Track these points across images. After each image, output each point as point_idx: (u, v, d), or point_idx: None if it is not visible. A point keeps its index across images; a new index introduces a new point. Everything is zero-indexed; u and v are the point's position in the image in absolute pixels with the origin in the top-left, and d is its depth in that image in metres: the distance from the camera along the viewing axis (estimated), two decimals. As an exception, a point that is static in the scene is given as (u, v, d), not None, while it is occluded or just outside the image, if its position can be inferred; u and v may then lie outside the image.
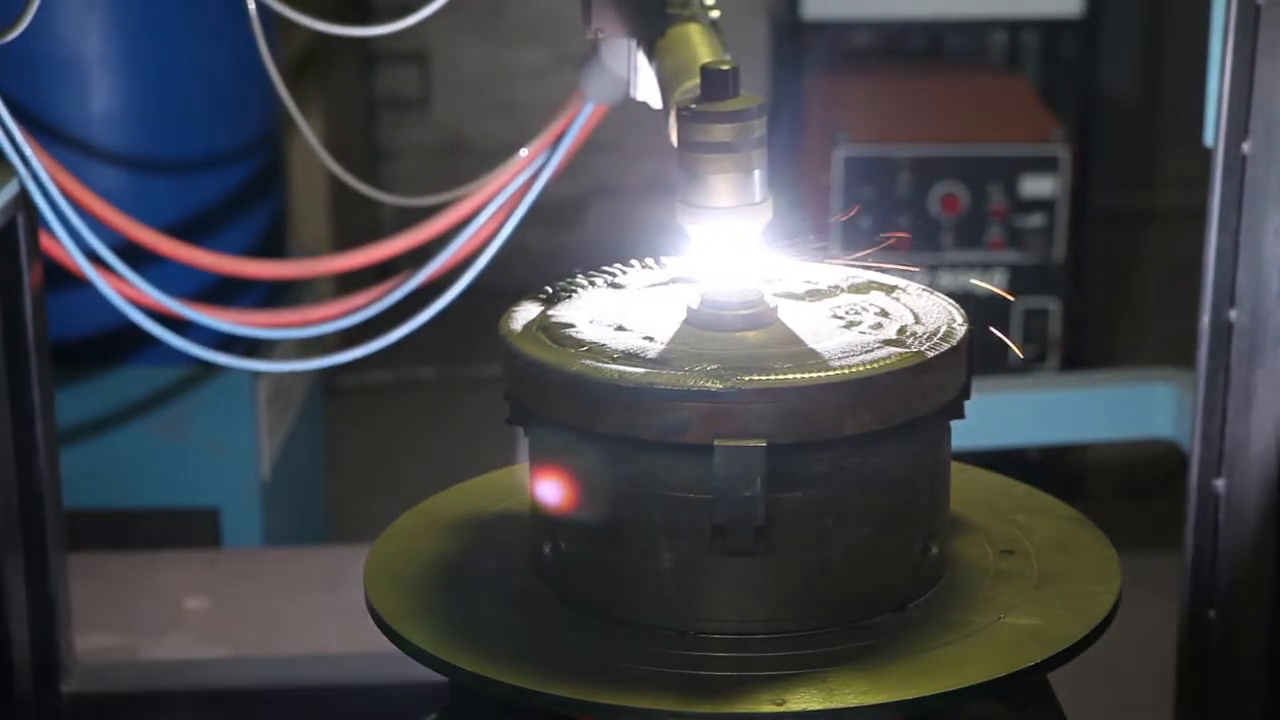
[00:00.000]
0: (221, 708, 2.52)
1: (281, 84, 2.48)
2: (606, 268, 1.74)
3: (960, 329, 1.59)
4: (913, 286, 1.69)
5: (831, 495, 1.52)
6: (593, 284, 1.71)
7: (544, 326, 1.61)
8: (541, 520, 1.61)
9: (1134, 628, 2.24)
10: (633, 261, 1.75)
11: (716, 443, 1.47)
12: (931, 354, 1.54)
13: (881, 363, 1.52)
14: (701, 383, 1.48)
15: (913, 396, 1.53)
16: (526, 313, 1.65)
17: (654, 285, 1.71)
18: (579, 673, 1.49)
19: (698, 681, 1.48)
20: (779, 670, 1.49)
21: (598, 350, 1.55)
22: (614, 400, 1.50)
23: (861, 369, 1.50)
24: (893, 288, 1.69)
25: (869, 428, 1.51)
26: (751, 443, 1.47)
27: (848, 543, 1.54)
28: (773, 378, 1.48)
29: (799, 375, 1.49)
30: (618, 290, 1.70)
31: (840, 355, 1.53)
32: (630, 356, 1.54)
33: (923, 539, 1.59)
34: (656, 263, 1.75)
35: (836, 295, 1.67)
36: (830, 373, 1.50)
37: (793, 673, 1.48)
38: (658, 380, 1.49)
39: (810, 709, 1.44)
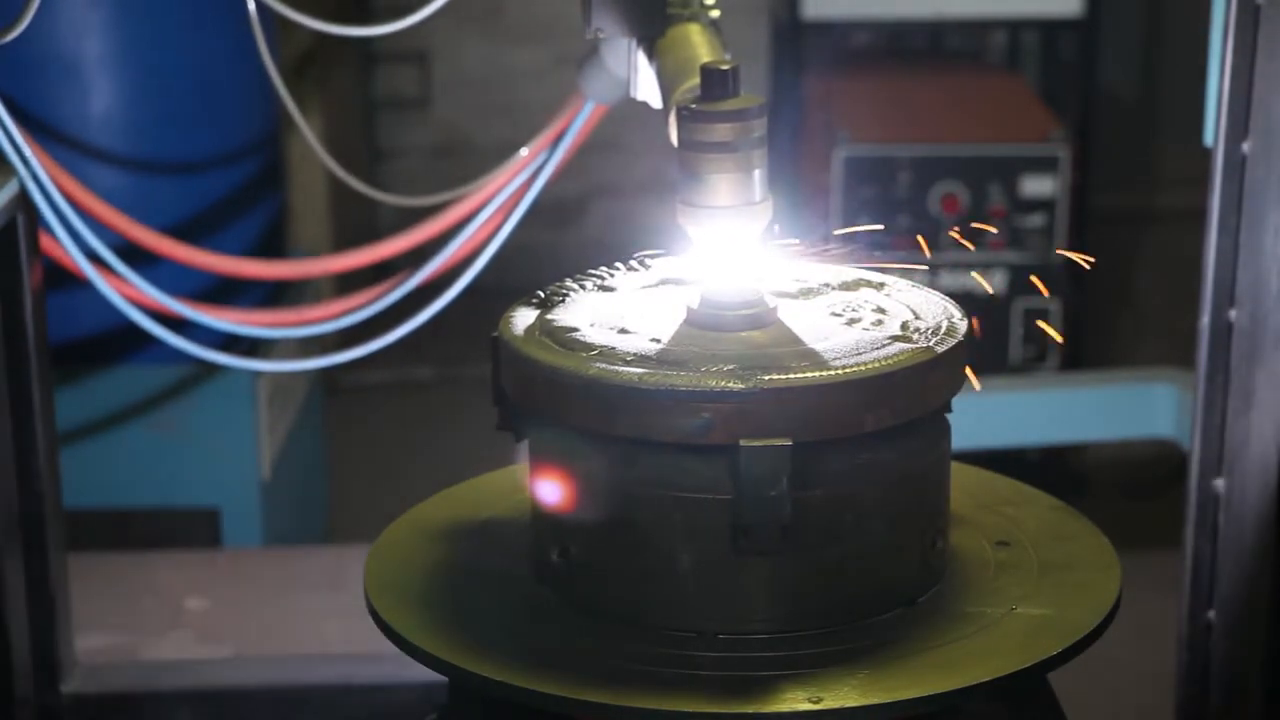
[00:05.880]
0: (221, 708, 2.52)
1: (281, 84, 2.48)
2: (594, 271, 1.74)
3: (961, 324, 1.60)
4: (900, 282, 1.70)
5: (850, 492, 1.53)
6: (584, 287, 1.71)
7: (547, 331, 1.60)
8: (548, 526, 1.60)
9: (1134, 628, 2.24)
10: (618, 264, 1.75)
11: (742, 443, 1.47)
12: (941, 349, 1.55)
13: (896, 359, 1.52)
14: (723, 383, 1.48)
15: (927, 391, 1.54)
16: (524, 318, 1.64)
17: (646, 287, 1.71)
18: (608, 678, 1.48)
19: (728, 682, 1.47)
20: (805, 669, 1.49)
21: (608, 353, 1.54)
22: (634, 403, 1.49)
23: (879, 365, 1.51)
24: (881, 284, 1.70)
25: (886, 423, 1.52)
26: (777, 442, 1.47)
27: (865, 539, 1.54)
28: (794, 376, 1.49)
29: (820, 373, 1.49)
30: (611, 293, 1.70)
31: (852, 353, 1.54)
32: (642, 359, 1.53)
33: (932, 533, 1.60)
34: (641, 264, 1.75)
35: (828, 293, 1.68)
36: (850, 370, 1.50)
37: (820, 670, 1.48)
38: (679, 382, 1.48)
39: (848, 706, 1.43)
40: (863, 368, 1.51)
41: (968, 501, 1.74)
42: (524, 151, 2.45)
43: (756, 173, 1.56)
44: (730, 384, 1.48)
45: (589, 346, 1.56)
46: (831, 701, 1.44)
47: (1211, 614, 2.10)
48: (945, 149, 4.40)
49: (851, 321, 1.61)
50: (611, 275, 1.73)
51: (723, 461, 1.49)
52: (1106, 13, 5.15)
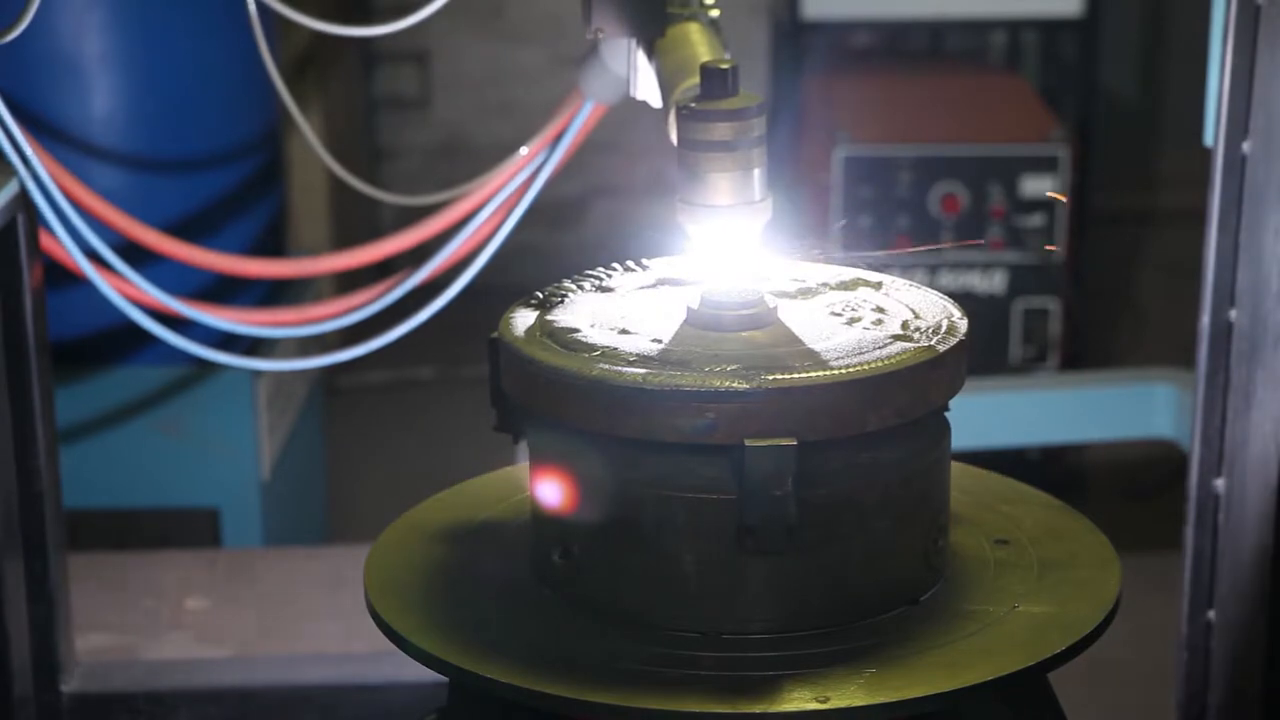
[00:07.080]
0: (221, 708, 2.52)
1: (281, 83, 2.48)
2: (591, 271, 1.74)
3: (961, 322, 1.60)
4: (898, 281, 1.70)
5: (854, 491, 1.53)
6: (582, 288, 1.71)
7: (548, 332, 1.60)
8: (549, 526, 1.60)
9: (1134, 628, 2.24)
10: (615, 265, 1.75)
11: (747, 442, 1.47)
12: (942, 348, 1.55)
13: (899, 358, 1.52)
14: (727, 383, 1.48)
15: (930, 390, 1.54)
16: (524, 319, 1.64)
17: (644, 287, 1.71)
18: (611, 678, 1.48)
19: (734, 682, 1.47)
20: (811, 668, 1.48)
21: (611, 354, 1.54)
22: (638, 403, 1.49)
23: (882, 365, 1.51)
24: (879, 284, 1.70)
25: (890, 423, 1.52)
26: (783, 441, 1.47)
27: (869, 538, 1.54)
28: (798, 376, 1.49)
29: (824, 373, 1.49)
30: (609, 293, 1.70)
31: (854, 352, 1.54)
32: (645, 359, 1.53)
33: (934, 531, 1.60)
34: (639, 265, 1.75)
35: (826, 293, 1.68)
36: (853, 370, 1.50)
37: (825, 669, 1.48)
38: (684, 382, 1.48)
39: (855, 705, 1.43)
40: (865, 367, 1.51)
41: (964, 499, 1.75)
42: (524, 150, 2.44)
43: (756, 171, 1.57)
44: (734, 384, 1.48)
45: (591, 347, 1.56)
46: (839, 701, 1.44)
47: (1211, 614, 2.10)
48: (945, 149, 4.40)
49: (852, 321, 1.61)
50: (609, 276, 1.73)
51: (727, 461, 1.49)
52: (1106, 13, 5.15)
